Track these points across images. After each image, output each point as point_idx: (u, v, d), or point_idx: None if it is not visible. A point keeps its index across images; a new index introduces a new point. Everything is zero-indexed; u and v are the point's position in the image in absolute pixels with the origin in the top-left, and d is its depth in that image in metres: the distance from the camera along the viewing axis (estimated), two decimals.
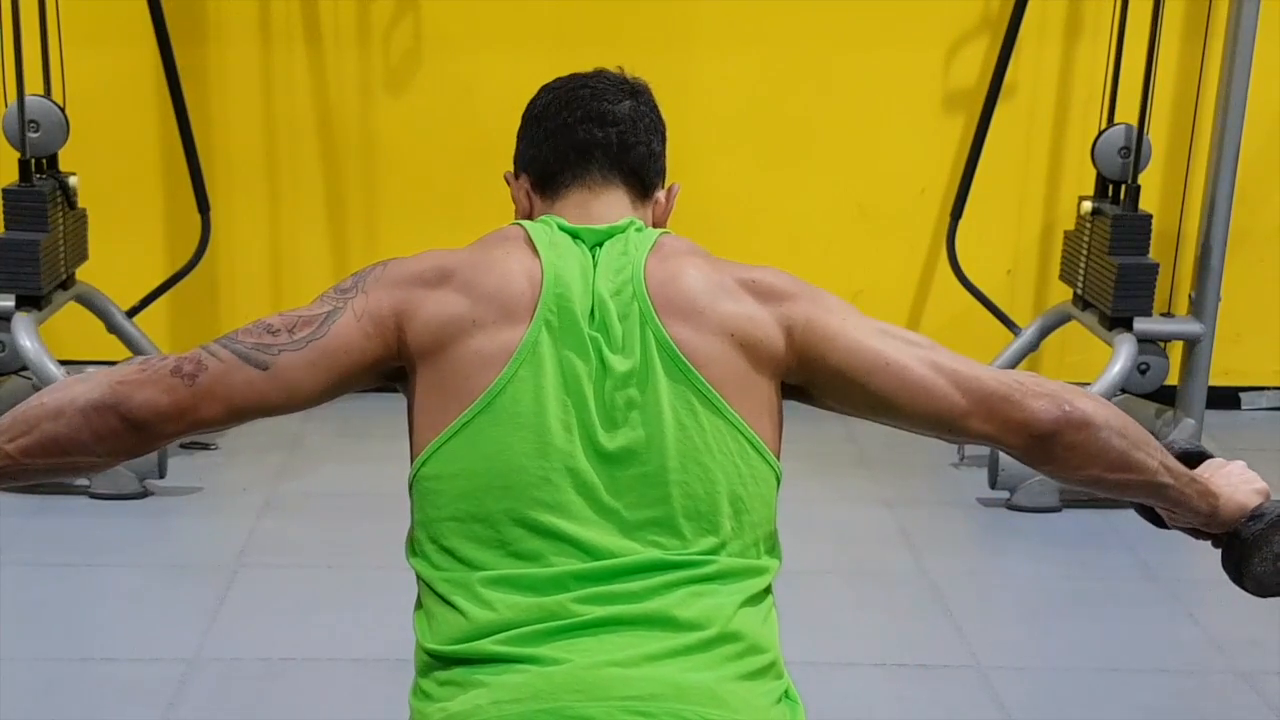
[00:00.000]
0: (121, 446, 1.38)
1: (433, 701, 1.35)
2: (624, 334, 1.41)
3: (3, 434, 1.39)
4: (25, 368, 3.66)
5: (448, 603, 1.37)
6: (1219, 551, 1.57)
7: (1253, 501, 1.53)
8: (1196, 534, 1.59)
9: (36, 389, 3.71)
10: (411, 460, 1.42)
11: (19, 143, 3.61)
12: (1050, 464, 1.46)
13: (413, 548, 1.44)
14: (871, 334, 1.46)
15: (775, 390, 1.45)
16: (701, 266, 1.46)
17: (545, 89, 1.60)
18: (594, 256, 1.46)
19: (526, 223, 1.51)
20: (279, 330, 1.41)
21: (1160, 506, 1.55)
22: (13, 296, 3.57)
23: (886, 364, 1.44)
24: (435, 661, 1.37)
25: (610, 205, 1.53)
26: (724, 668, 1.33)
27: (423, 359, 1.41)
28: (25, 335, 3.52)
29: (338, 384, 1.43)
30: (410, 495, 1.44)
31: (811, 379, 1.47)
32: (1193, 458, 1.57)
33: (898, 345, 1.46)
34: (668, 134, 1.62)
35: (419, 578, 1.43)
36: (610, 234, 1.48)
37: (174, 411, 1.37)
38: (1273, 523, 1.49)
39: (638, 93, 1.59)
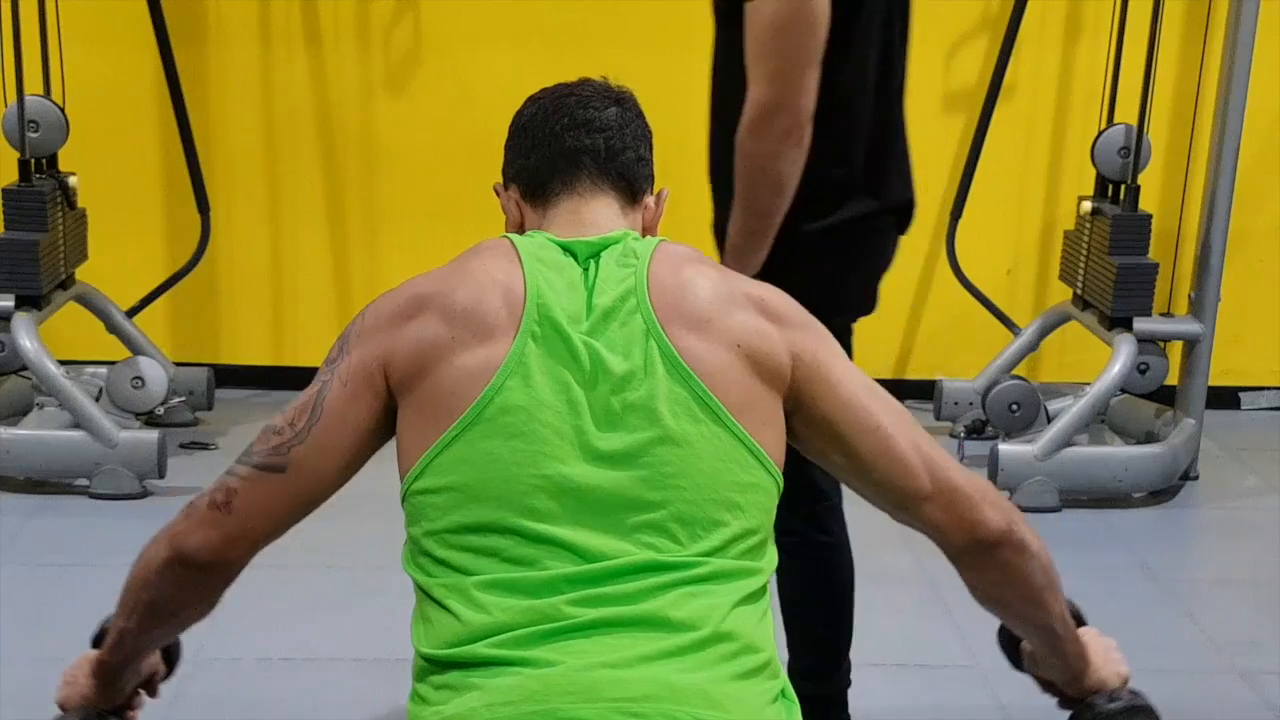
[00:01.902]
0: (204, 589, 1.46)
1: (428, 705, 1.35)
2: (624, 340, 1.40)
3: (122, 617, 1.51)
4: (25, 368, 3.66)
5: (442, 606, 1.37)
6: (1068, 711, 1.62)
7: (1114, 682, 1.59)
8: (1047, 685, 1.64)
9: (36, 389, 3.72)
10: (401, 477, 1.42)
11: (19, 143, 3.61)
12: (977, 571, 1.52)
13: (408, 558, 1.44)
14: (867, 391, 1.47)
15: (778, 402, 1.44)
16: (710, 275, 1.46)
17: (530, 100, 1.60)
18: (590, 268, 1.45)
19: (513, 235, 1.50)
20: (282, 429, 1.43)
21: (1038, 649, 1.61)
22: (13, 296, 3.57)
23: (877, 428, 1.45)
24: (430, 665, 1.37)
25: (600, 211, 1.53)
26: (717, 668, 1.33)
27: (408, 385, 1.41)
28: (25, 335, 3.52)
29: (358, 453, 1.45)
30: (403, 509, 1.44)
31: (794, 412, 1.46)
32: (1073, 617, 1.63)
33: (888, 413, 1.47)
34: (658, 139, 1.61)
35: (415, 585, 1.43)
36: (605, 244, 1.48)
37: (227, 542, 1.42)
38: (1125, 709, 1.57)
39: (623, 100, 1.59)
